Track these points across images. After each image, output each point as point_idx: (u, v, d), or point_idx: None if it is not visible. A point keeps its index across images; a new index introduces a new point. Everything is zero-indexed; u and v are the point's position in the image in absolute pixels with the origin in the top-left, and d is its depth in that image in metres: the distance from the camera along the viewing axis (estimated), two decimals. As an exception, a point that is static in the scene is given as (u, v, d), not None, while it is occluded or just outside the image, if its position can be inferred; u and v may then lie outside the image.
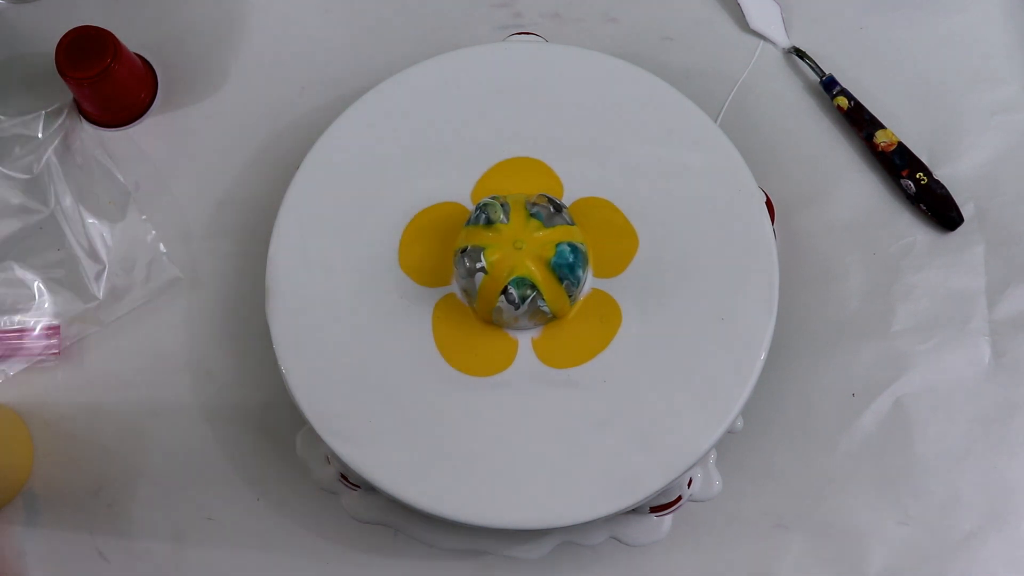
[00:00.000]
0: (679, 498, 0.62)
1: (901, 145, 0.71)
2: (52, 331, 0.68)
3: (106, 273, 0.69)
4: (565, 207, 0.61)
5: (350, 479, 0.63)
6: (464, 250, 0.60)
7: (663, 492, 0.60)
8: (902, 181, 0.70)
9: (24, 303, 0.68)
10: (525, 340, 0.61)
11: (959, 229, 0.71)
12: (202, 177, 0.72)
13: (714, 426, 0.59)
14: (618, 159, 0.64)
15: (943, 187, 0.70)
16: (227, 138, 0.72)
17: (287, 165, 0.67)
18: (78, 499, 0.66)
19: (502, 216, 0.60)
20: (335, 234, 0.64)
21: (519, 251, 0.59)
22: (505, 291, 0.59)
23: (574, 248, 0.59)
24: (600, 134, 0.65)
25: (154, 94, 0.73)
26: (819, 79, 0.73)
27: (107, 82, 0.68)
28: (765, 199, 0.65)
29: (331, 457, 0.63)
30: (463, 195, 0.64)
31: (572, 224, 0.60)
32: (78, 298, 0.68)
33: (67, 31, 0.68)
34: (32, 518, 0.65)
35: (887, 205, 0.71)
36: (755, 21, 0.75)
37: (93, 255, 0.69)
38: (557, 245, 0.59)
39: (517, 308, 0.59)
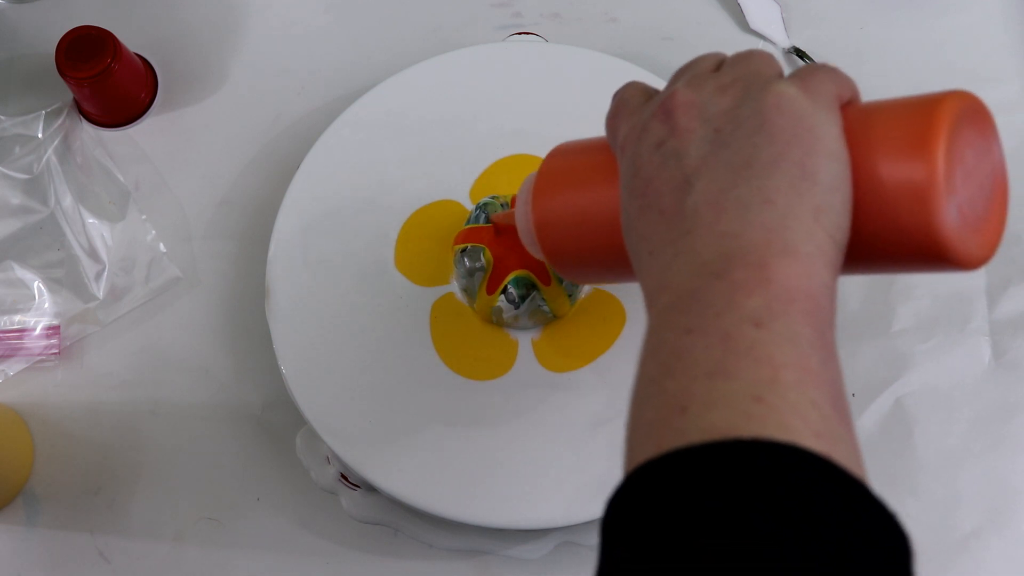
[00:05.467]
0: (679, 498, 0.62)
1: (901, 145, 0.71)
2: (52, 331, 0.68)
3: (106, 273, 0.69)
4: (565, 207, 0.61)
5: (350, 479, 0.63)
6: (464, 249, 0.60)
7: (663, 492, 0.60)
8: (902, 181, 0.70)
9: (24, 303, 0.68)
10: (525, 341, 0.61)
11: (959, 229, 0.70)
12: (202, 177, 0.71)
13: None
14: (618, 159, 0.64)
15: (943, 187, 0.70)
16: (227, 138, 0.72)
17: (287, 165, 0.67)
18: (78, 499, 0.66)
19: (502, 216, 0.60)
20: (335, 234, 0.64)
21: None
22: (505, 290, 0.59)
23: (574, 248, 0.59)
24: (600, 134, 0.65)
25: (154, 94, 0.73)
26: (819, 79, 0.73)
27: (107, 82, 0.68)
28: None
29: (331, 457, 0.63)
30: (462, 193, 0.64)
31: (572, 224, 0.60)
32: (78, 298, 0.68)
33: (67, 31, 0.68)
34: (32, 518, 0.65)
35: (887, 205, 0.71)
36: (755, 21, 0.75)
37: (93, 255, 0.69)
38: (557, 245, 0.58)
39: (517, 307, 0.59)
